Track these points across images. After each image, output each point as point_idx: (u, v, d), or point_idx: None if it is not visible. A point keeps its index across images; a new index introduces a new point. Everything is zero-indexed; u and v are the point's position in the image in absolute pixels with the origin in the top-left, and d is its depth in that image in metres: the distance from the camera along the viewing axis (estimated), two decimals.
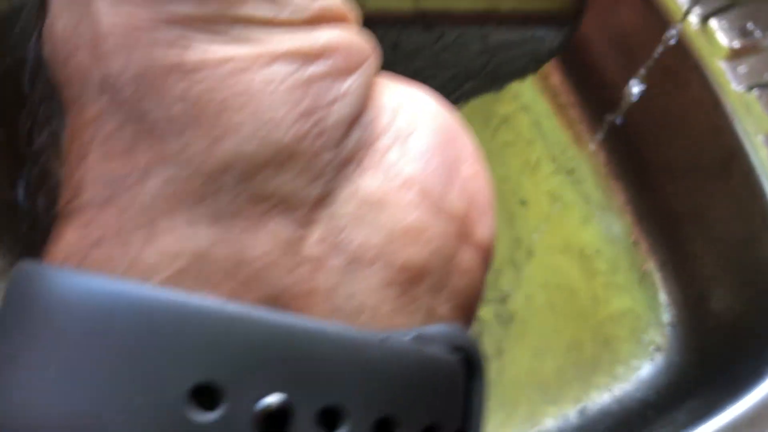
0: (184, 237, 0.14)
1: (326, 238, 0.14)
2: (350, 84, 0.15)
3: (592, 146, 0.47)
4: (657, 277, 0.45)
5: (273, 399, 0.12)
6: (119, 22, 0.14)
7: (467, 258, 0.16)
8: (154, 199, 0.14)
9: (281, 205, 0.14)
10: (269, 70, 0.14)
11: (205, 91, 0.14)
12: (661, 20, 0.43)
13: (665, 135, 0.45)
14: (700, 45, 0.42)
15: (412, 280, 0.15)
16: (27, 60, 0.17)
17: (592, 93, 0.47)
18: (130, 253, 0.14)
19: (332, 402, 0.13)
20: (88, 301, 0.13)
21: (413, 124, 0.16)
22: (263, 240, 0.14)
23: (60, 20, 0.15)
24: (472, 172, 0.17)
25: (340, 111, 0.15)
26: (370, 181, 0.15)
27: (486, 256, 0.17)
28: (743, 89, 0.41)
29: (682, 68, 0.43)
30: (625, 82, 0.47)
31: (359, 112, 0.15)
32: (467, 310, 0.16)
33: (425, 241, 0.15)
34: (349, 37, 0.15)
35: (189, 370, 0.12)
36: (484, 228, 0.16)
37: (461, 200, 0.16)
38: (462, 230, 0.16)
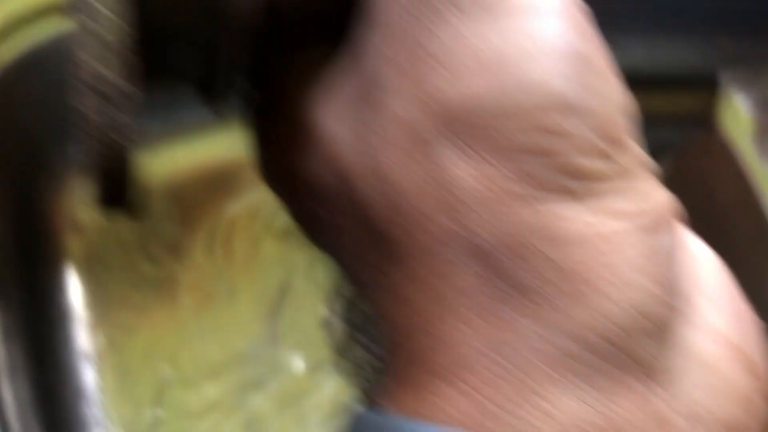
0: (573, 407, 0.14)
1: (680, 404, 0.14)
2: (679, 239, 0.16)
3: None
4: None
5: None
6: (477, 178, 0.14)
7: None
8: (537, 366, 0.14)
9: (642, 370, 0.14)
10: (624, 234, 0.14)
11: (575, 257, 0.14)
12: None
13: (689, 209, 0.44)
14: (726, 118, 0.41)
15: None
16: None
17: None
18: (524, 423, 0.14)
19: None
20: None
21: (709, 275, 0.16)
22: (632, 408, 0.14)
23: (399, 171, 0.15)
24: (758, 327, 0.17)
25: (675, 269, 0.15)
26: (696, 339, 0.15)
27: None
28: None
29: (709, 142, 0.42)
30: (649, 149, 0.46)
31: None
32: None
33: (753, 409, 0.15)
34: (665, 192, 0.16)
35: None
36: None
37: (764, 359, 0.16)
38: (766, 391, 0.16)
